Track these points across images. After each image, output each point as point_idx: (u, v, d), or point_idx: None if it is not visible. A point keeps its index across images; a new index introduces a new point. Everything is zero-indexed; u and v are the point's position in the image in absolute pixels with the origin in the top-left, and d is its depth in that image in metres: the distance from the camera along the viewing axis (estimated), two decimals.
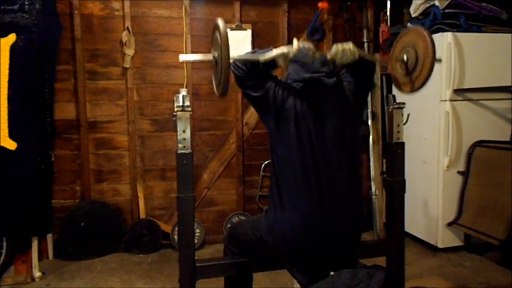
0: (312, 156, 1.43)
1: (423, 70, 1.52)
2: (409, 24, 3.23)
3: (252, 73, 1.47)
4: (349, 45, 1.46)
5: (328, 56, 1.48)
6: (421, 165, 3.12)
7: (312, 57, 1.43)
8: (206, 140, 3.34)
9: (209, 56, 1.45)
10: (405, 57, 1.59)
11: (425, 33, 1.51)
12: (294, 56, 1.40)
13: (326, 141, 1.44)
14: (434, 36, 2.95)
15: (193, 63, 3.22)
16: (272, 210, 1.52)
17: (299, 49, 1.40)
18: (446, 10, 2.95)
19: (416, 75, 1.56)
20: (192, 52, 3.21)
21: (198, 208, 3.26)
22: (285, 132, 1.45)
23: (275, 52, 1.42)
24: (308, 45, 1.43)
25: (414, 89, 1.60)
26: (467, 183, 2.94)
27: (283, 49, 1.42)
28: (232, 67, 1.47)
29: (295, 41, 1.42)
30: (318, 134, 1.43)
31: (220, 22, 1.32)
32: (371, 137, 3.33)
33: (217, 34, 1.35)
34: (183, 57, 1.51)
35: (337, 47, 1.46)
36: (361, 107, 1.67)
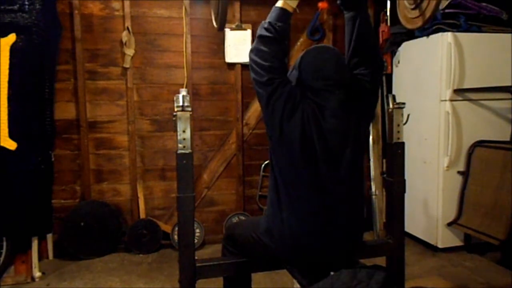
0: (313, 160, 1.42)
1: None
2: None
3: (273, 57, 1.42)
4: None
5: None
6: (421, 165, 3.12)
7: None
8: (206, 140, 3.34)
9: None
10: None
11: None
12: None
13: (329, 146, 1.42)
14: (434, 36, 2.96)
15: (193, 63, 3.22)
16: (271, 211, 1.51)
17: None
18: (446, 10, 2.95)
19: (426, 4, 1.55)
20: (193, 52, 3.21)
21: (198, 208, 3.25)
22: (288, 139, 1.42)
23: None
24: None
25: (425, 20, 1.59)
26: (467, 183, 2.94)
27: None
28: (251, 54, 1.45)
29: None
30: (321, 140, 1.41)
31: None
32: (371, 137, 3.33)
33: None
34: None
35: None
36: (369, 116, 1.60)
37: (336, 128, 1.42)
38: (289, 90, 1.43)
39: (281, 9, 1.45)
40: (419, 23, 1.62)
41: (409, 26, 1.69)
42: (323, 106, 1.43)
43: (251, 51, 1.46)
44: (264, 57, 1.43)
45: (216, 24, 1.44)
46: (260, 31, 1.45)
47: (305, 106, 1.42)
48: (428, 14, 1.56)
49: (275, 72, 1.43)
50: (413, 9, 1.62)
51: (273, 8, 1.47)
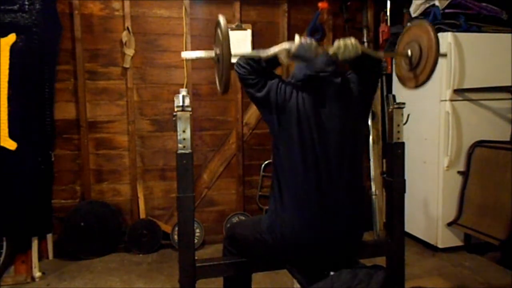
0: (313, 157, 1.43)
1: (427, 64, 1.51)
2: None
3: (255, 72, 1.47)
4: (351, 40, 1.45)
5: (330, 51, 1.47)
6: (421, 165, 3.12)
7: (314, 52, 1.42)
8: (206, 140, 3.34)
9: (211, 53, 1.45)
10: (409, 52, 1.59)
11: (429, 27, 1.50)
12: (296, 51, 1.40)
13: (328, 142, 1.43)
14: None
15: (193, 62, 3.21)
16: (273, 210, 1.51)
17: (301, 44, 1.40)
18: (446, 10, 2.95)
19: (420, 70, 1.55)
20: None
21: (198, 208, 3.25)
22: (287, 132, 1.45)
23: (277, 48, 1.42)
24: (310, 40, 1.43)
25: (418, 84, 1.59)
26: (467, 183, 2.94)
27: (285, 45, 1.42)
28: (235, 66, 1.48)
29: (297, 37, 1.43)
30: (320, 135, 1.43)
31: (221, 19, 1.33)
32: (371, 137, 3.33)
33: (219, 31, 1.35)
34: (185, 54, 1.53)
35: (339, 42, 1.45)
36: (366, 111, 1.64)
37: (335, 111, 1.45)
38: (278, 81, 1.48)
39: (275, 55, 1.47)
40: (412, 85, 1.63)
41: (405, 86, 1.69)
42: (319, 91, 1.46)
43: (235, 65, 1.50)
44: (246, 72, 1.48)
45: (220, 88, 1.46)
46: (248, 53, 1.51)
47: (300, 94, 1.46)
48: (421, 80, 1.56)
49: (258, 73, 1.47)
50: (408, 70, 1.62)
51: (273, 49, 1.47)
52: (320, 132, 1.43)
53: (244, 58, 1.48)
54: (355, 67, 1.58)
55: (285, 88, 1.47)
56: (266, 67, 1.47)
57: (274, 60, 1.47)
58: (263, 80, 1.47)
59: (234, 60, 1.40)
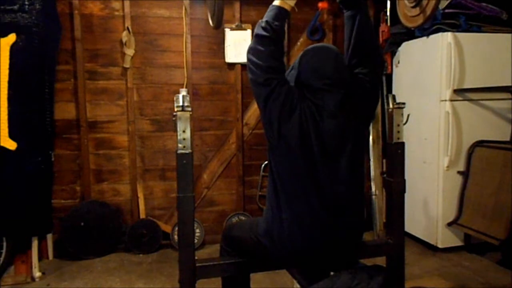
0: (311, 161, 1.40)
1: None
2: None
3: (269, 50, 1.39)
4: None
5: None
6: (421, 165, 3.12)
7: None
8: (206, 140, 3.34)
9: None
10: None
11: None
12: None
13: (327, 147, 1.40)
14: (434, 36, 2.96)
15: (193, 63, 3.22)
16: (269, 212, 1.49)
17: None
18: (446, 10, 2.95)
19: (426, 2, 1.54)
20: (193, 52, 3.21)
21: (198, 208, 3.25)
22: (286, 139, 1.41)
23: None
24: None
25: (426, 17, 1.57)
26: (467, 183, 2.94)
27: None
28: (248, 54, 1.42)
29: None
30: (318, 141, 1.40)
31: None
32: (371, 137, 3.33)
33: None
34: None
35: None
36: (368, 117, 1.60)
37: (333, 129, 1.40)
38: (287, 90, 1.41)
39: (279, 8, 1.42)
40: (419, 21, 1.61)
41: (409, 25, 1.69)
42: (321, 107, 1.40)
43: (248, 51, 1.43)
44: (261, 57, 1.40)
45: (212, 22, 1.44)
46: (257, 30, 1.43)
47: (303, 107, 1.40)
48: (429, 11, 1.55)
49: (273, 72, 1.40)
50: (413, 7, 1.62)
51: (271, 7, 1.44)
52: (319, 137, 1.40)
53: (255, 42, 1.42)
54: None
55: (292, 98, 1.40)
56: (279, 25, 1.41)
57: (281, 11, 1.42)
58: (274, 82, 1.39)
59: None
